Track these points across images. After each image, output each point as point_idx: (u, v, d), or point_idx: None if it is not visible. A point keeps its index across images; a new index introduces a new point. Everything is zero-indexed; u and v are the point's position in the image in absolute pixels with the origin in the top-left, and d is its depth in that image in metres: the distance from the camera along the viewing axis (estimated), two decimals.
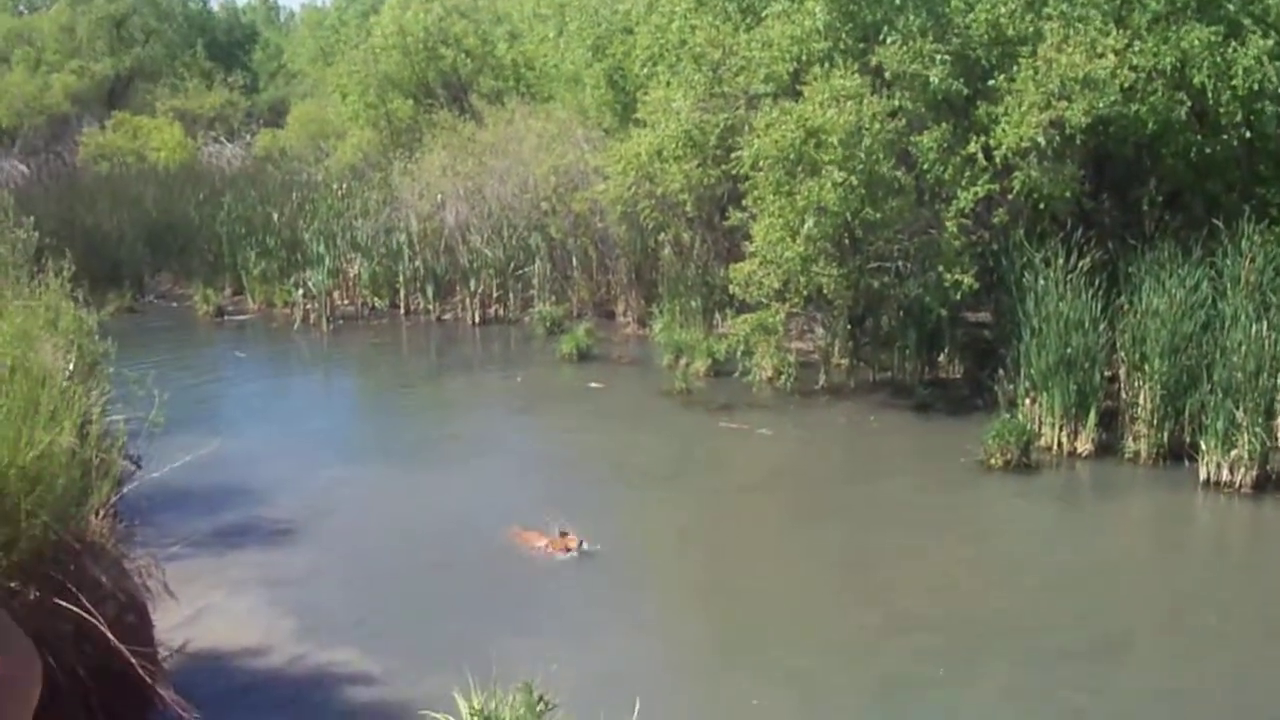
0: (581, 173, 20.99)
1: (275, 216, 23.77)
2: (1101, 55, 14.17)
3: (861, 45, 15.51)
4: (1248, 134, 14.56)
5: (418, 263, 22.32)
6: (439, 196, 22.77)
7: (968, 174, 14.92)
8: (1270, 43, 13.93)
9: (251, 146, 35.34)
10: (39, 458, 5.86)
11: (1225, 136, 14.68)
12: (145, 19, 41.07)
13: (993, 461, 13.32)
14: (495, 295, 22.02)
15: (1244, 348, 12.67)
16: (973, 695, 8.84)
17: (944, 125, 15.01)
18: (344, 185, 24.95)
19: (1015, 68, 14.71)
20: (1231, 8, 14.36)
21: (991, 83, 14.95)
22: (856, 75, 14.91)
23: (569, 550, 11.03)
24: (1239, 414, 12.48)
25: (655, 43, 18.36)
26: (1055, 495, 13.31)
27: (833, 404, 15.94)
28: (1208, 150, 14.79)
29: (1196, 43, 14.01)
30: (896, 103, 15.00)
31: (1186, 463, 13.05)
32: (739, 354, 16.16)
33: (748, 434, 14.94)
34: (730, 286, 16.03)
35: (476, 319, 21.82)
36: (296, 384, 19.55)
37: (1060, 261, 14.12)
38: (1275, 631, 9.90)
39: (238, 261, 23.53)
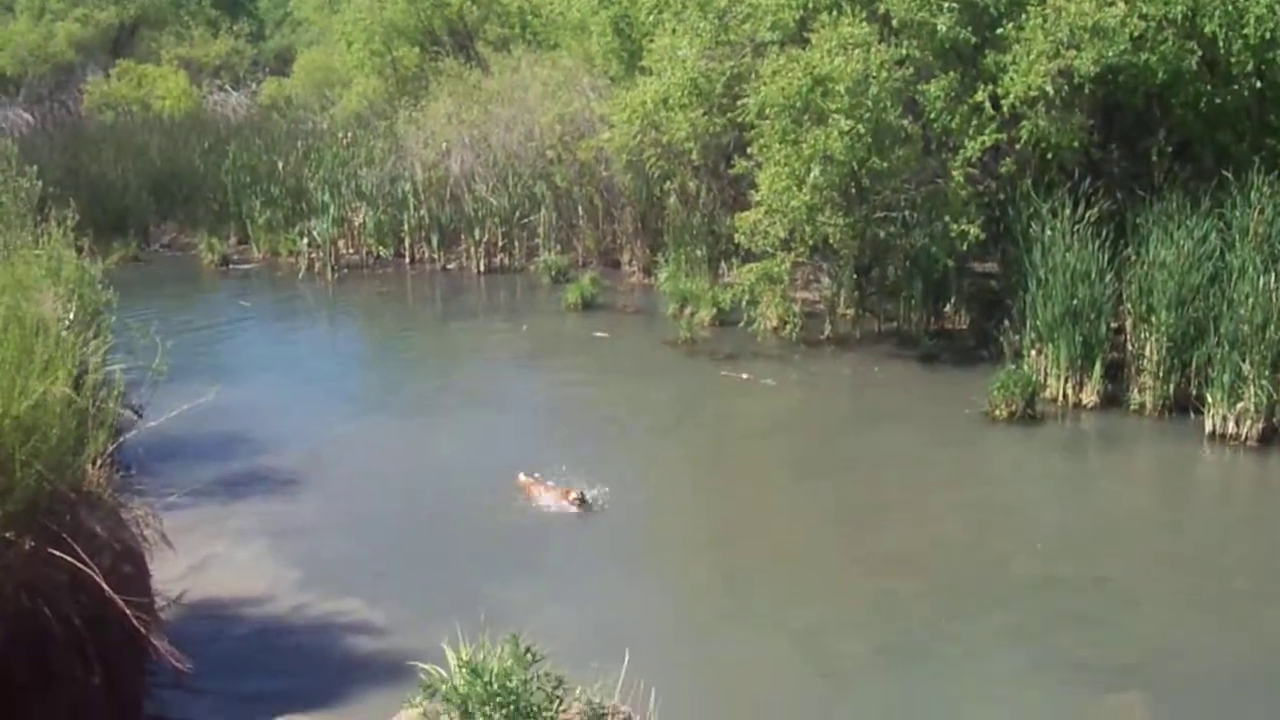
0: (587, 121, 20.85)
1: (280, 165, 23.63)
2: (1111, 3, 13.99)
3: None
4: (1259, 84, 14.36)
5: (423, 212, 22.21)
6: (444, 145, 22.63)
7: (975, 123, 14.78)
8: None
9: (257, 95, 35.09)
10: (33, 408, 5.84)
11: (1236, 86, 14.49)
12: None
13: (997, 413, 13.28)
14: (500, 244, 21.92)
15: (1251, 300, 12.56)
16: (973, 645, 8.86)
17: (951, 74, 14.87)
18: (349, 134, 24.77)
19: (1024, 16, 14.52)
20: None
21: (1000, 31, 14.77)
22: (864, 23, 14.76)
23: (574, 502, 11.02)
24: (1245, 366, 12.41)
25: None
26: (1060, 447, 13.28)
27: (837, 354, 15.89)
28: (1218, 100, 14.61)
29: None
30: (904, 51, 14.84)
31: (1192, 415, 13.01)
32: (744, 303, 16.08)
33: (752, 384, 14.91)
34: (736, 236, 15.94)
35: (481, 268, 21.74)
36: (301, 333, 19.52)
37: (1067, 212, 14.02)
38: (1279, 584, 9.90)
39: (243, 211, 23.45)
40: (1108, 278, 13.71)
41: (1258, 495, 12.27)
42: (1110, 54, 13.90)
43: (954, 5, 14.63)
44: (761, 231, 15.25)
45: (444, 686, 5.22)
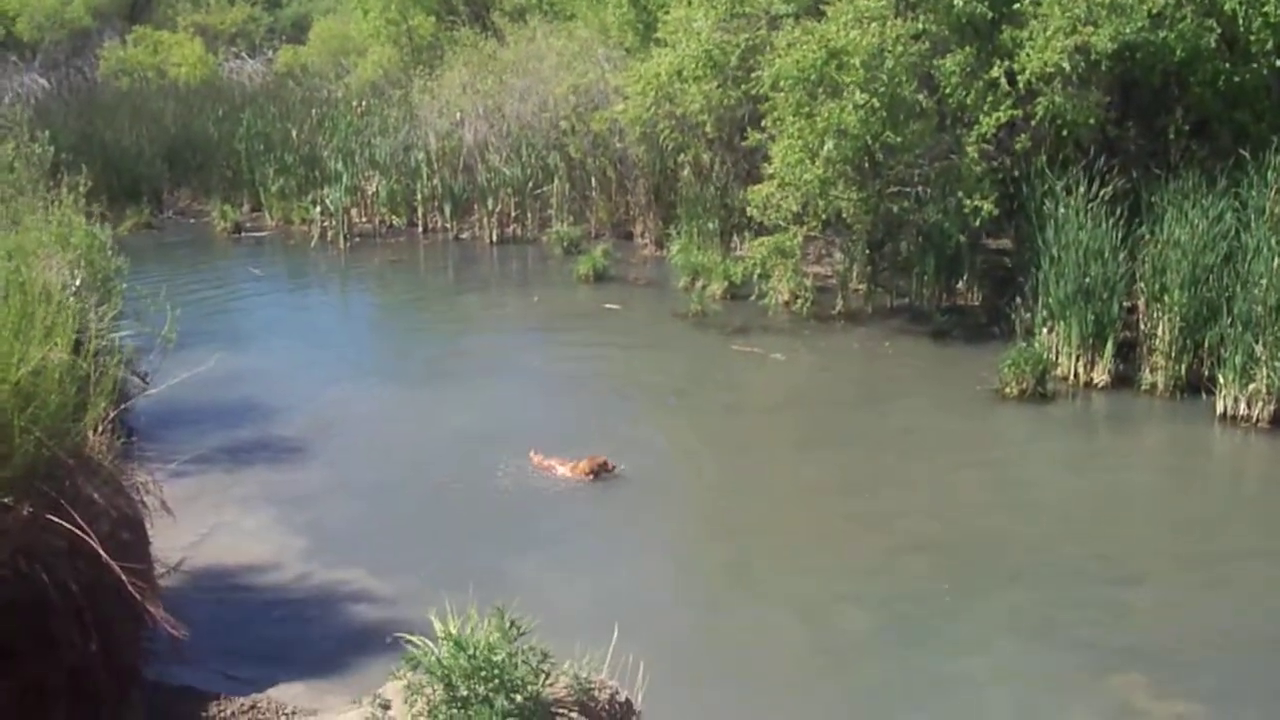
0: (601, 92, 20.78)
1: (294, 134, 23.63)
2: None
3: None
4: (1278, 62, 14.27)
5: (436, 181, 22.15)
6: (458, 115, 22.58)
7: (990, 99, 14.69)
8: None
9: (272, 63, 35.04)
10: (33, 374, 5.83)
11: (1255, 65, 14.36)
12: None
13: (1008, 390, 13.21)
14: (513, 215, 21.87)
15: (1265, 281, 12.45)
16: (979, 621, 8.84)
17: (967, 49, 14.76)
18: (364, 103, 24.76)
19: None
20: None
21: (1016, 6, 14.65)
22: None
23: (587, 473, 11.01)
24: (1258, 348, 12.32)
25: None
26: (1070, 425, 13.22)
27: (849, 329, 15.83)
28: (1237, 79, 14.48)
29: None
30: (920, 25, 14.75)
31: (1204, 396, 12.93)
32: (756, 277, 16.06)
33: (762, 358, 14.87)
34: (748, 209, 15.90)
35: (494, 238, 21.70)
36: (312, 301, 19.55)
37: (1082, 189, 13.92)
38: None
39: (256, 178, 23.43)
40: (1121, 256, 13.61)
41: (1267, 477, 12.18)
42: (1128, 30, 13.78)
43: None
44: (774, 205, 15.20)
45: (428, 659, 5.20)
